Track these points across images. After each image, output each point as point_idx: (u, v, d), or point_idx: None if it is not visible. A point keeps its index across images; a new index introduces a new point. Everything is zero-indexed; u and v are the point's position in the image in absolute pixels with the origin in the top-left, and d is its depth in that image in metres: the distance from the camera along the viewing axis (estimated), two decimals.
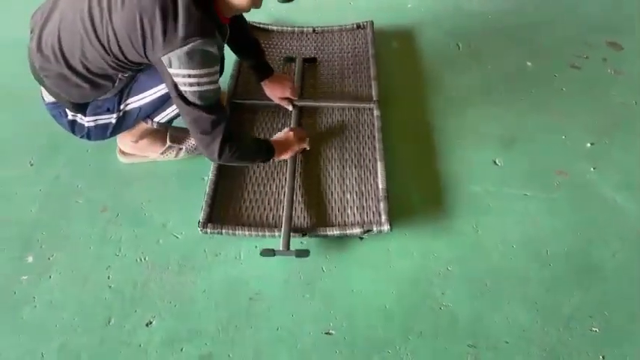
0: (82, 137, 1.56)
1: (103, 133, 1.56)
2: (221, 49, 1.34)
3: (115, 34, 1.25)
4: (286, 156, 1.66)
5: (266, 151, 1.56)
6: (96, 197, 1.69)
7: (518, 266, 1.55)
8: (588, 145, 1.86)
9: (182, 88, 1.27)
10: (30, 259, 1.53)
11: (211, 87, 1.30)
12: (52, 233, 1.59)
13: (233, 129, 1.43)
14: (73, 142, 1.77)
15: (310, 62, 2.11)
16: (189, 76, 1.25)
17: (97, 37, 1.27)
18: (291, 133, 1.67)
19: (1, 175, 1.74)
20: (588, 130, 1.91)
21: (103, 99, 1.47)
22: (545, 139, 1.88)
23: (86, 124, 1.52)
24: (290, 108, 1.88)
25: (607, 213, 1.67)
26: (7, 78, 2.07)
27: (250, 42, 1.75)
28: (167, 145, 1.75)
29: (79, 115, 1.51)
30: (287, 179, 1.67)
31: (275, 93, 1.85)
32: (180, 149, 1.77)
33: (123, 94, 1.49)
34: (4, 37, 2.25)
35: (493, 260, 1.56)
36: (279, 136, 1.68)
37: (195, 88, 1.27)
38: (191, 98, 1.29)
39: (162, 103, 1.50)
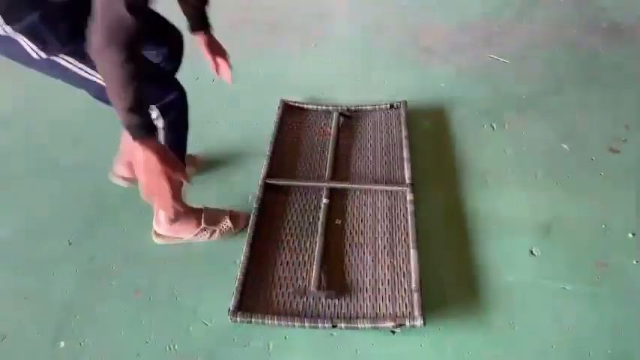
0: None
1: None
2: None
3: None
4: (134, 167, 1.24)
5: (134, 114, 1.15)
6: (129, 279, 1.71)
7: None
8: (630, 235, 1.79)
9: None
10: (62, 344, 1.54)
11: None
12: (84, 316, 1.61)
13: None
14: (109, 221, 1.82)
15: (346, 117, 2.22)
16: None
17: None
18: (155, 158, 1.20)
19: (42, 254, 1.79)
20: (630, 218, 1.84)
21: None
22: (584, 228, 1.82)
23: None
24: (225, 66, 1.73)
25: None
26: (56, 152, 2.17)
27: None
28: (201, 227, 1.77)
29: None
30: (314, 264, 1.67)
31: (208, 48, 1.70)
32: (214, 231, 1.79)
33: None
34: (53, 116, 2.37)
35: None
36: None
37: None
38: None
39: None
